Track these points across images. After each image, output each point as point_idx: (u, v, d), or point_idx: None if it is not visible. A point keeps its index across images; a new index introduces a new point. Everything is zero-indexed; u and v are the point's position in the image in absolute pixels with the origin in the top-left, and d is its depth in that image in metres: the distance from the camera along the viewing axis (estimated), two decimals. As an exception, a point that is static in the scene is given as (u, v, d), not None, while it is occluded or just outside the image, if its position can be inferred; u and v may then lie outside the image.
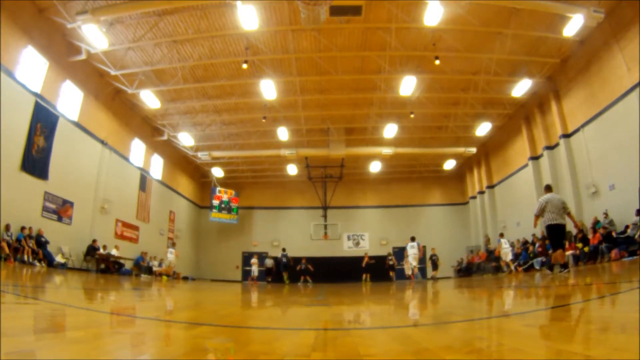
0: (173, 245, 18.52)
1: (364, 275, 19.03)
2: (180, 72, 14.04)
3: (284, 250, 20.37)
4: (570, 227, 10.94)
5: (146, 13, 11.34)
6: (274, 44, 13.06)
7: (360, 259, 20.29)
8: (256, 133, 19.00)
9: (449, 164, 22.36)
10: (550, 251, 7.57)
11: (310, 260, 20.60)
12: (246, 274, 23.12)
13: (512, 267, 14.09)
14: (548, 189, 7.80)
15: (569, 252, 11.78)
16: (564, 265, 7.35)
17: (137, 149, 17.84)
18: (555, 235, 7.25)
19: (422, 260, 20.21)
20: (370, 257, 19.78)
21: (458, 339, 1.96)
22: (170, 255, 17.30)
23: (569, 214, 7.33)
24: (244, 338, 2.21)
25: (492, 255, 18.01)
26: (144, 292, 6.93)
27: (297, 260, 20.17)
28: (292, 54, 13.41)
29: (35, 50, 11.21)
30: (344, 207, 24.07)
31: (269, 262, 20.54)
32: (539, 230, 15.21)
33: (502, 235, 15.90)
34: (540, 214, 7.35)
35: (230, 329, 2.58)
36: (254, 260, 20.45)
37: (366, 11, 11.47)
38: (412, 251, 14.83)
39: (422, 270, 21.07)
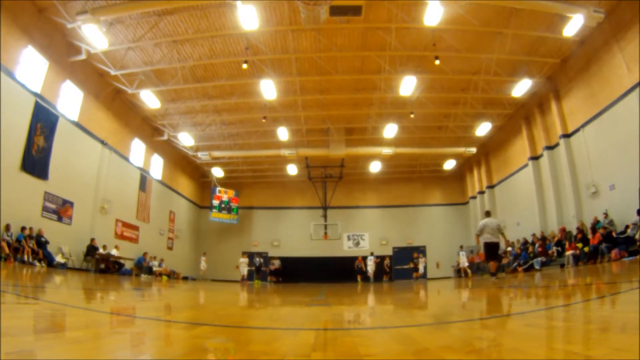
0: (204, 254, 21.91)
1: (358, 277, 20.28)
2: (180, 72, 14.03)
3: (260, 255, 22.16)
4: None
5: (146, 13, 11.33)
6: (274, 44, 13.05)
7: (362, 258, 20.96)
8: (256, 133, 19.00)
9: (449, 164, 22.35)
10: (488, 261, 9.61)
11: (310, 260, 21.37)
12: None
13: (470, 272, 17.63)
14: (487, 214, 9.64)
15: (569, 252, 11.93)
16: (493, 274, 9.32)
17: (137, 149, 17.83)
18: (490, 250, 8.95)
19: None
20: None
21: (458, 339, 1.96)
22: (203, 263, 21.11)
23: (502, 235, 9.15)
24: (244, 338, 2.21)
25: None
26: (144, 292, 6.93)
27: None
28: (292, 54, 13.40)
29: (35, 50, 11.20)
30: (344, 207, 24.06)
31: (276, 263, 21.52)
32: (538, 231, 15.36)
33: (461, 247, 19.28)
34: (480, 234, 9.08)
35: (230, 329, 2.58)
36: (242, 260, 20.67)
37: (366, 11, 11.46)
38: (369, 262, 20.31)
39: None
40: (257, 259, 21.43)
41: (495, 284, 7.52)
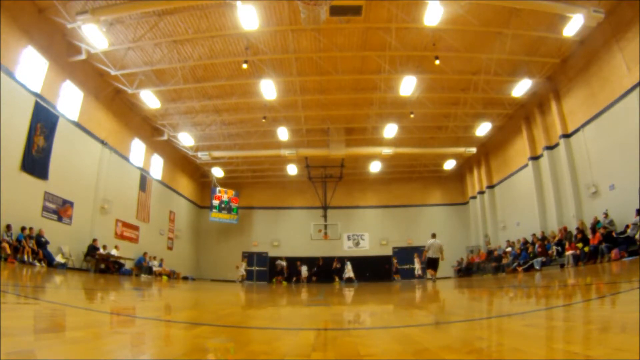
0: (243, 261, 22.86)
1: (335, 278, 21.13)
2: (180, 72, 14.03)
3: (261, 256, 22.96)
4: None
5: (146, 13, 11.32)
6: (274, 44, 13.05)
7: (362, 259, 21.33)
8: (256, 133, 19.00)
9: (449, 164, 22.34)
10: (428, 269, 12.72)
11: (310, 260, 21.88)
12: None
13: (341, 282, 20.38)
14: (433, 236, 12.70)
15: (569, 252, 11.94)
16: (432, 279, 12.45)
17: (137, 149, 17.82)
18: (431, 263, 12.35)
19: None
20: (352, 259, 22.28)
21: (458, 339, 1.96)
22: (238, 270, 21.91)
23: (441, 253, 12.36)
24: (244, 338, 2.21)
25: (492, 256, 18.01)
26: (144, 292, 6.93)
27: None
28: (292, 54, 13.40)
29: (35, 50, 11.19)
30: (344, 207, 24.06)
31: (283, 264, 21.94)
32: (538, 231, 15.35)
33: (348, 259, 22.20)
34: (427, 250, 12.33)
35: (230, 329, 2.58)
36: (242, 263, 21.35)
37: (366, 11, 11.46)
38: (348, 267, 22.04)
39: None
40: (280, 262, 21.95)
41: (436, 285, 10.42)
